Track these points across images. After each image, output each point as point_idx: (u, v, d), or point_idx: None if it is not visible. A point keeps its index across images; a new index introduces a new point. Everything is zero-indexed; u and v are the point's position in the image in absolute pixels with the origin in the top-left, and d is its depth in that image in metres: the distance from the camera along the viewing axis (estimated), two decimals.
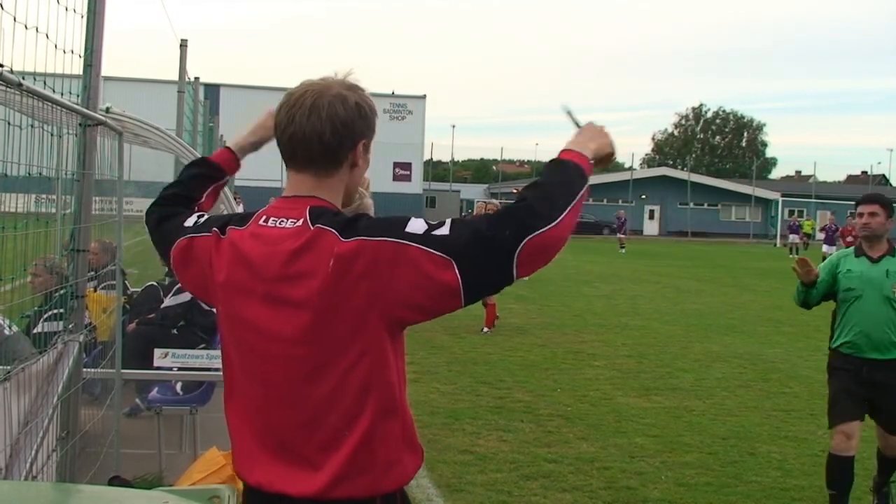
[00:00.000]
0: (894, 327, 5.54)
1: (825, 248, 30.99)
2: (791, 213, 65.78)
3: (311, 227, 2.01)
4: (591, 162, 2.21)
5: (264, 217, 2.12)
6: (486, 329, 13.53)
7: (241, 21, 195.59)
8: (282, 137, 2.15)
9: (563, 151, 2.21)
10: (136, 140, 5.63)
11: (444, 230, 1.96)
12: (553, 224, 1.98)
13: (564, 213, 2.02)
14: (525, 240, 1.93)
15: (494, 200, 43.73)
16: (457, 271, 1.92)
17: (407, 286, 1.94)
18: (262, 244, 2.07)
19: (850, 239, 26.66)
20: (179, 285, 6.41)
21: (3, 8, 2.74)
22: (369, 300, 1.96)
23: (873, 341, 5.52)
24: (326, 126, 2.07)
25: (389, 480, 2.08)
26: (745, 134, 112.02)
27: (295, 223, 2.05)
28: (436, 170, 72.57)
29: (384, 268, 1.94)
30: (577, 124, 2.38)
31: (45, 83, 3.32)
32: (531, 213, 1.98)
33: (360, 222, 2.01)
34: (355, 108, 2.12)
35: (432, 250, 1.93)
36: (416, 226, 1.97)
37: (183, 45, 9.31)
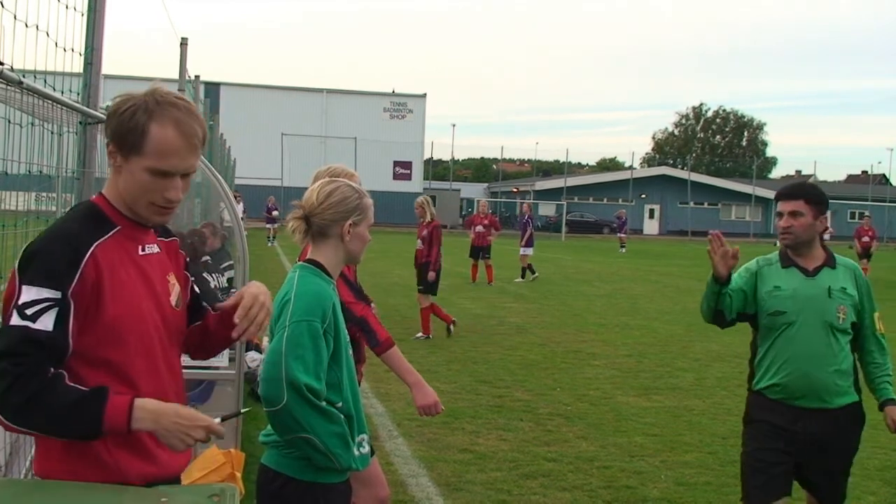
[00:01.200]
0: (839, 365, 4.12)
1: None
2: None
3: None
4: (129, 430, 2.13)
5: None
6: (420, 335, 12.40)
7: (242, 19, 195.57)
8: None
9: (118, 400, 2.14)
10: None
11: None
12: (6, 421, 2.07)
13: (26, 428, 2.10)
14: None
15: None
16: None
17: None
18: None
19: (865, 240, 26.40)
20: None
21: (3, 6, 2.74)
22: None
23: (812, 384, 4.10)
24: None
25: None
26: (746, 133, 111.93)
27: None
28: (436, 168, 72.52)
29: None
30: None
31: (45, 81, 3.33)
32: (4, 394, 2.04)
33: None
34: None
35: None
36: None
37: (183, 43, 9.28)
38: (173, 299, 2.41)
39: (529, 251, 23.01)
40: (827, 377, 4.10)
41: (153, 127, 2.19)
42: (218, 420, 2.26)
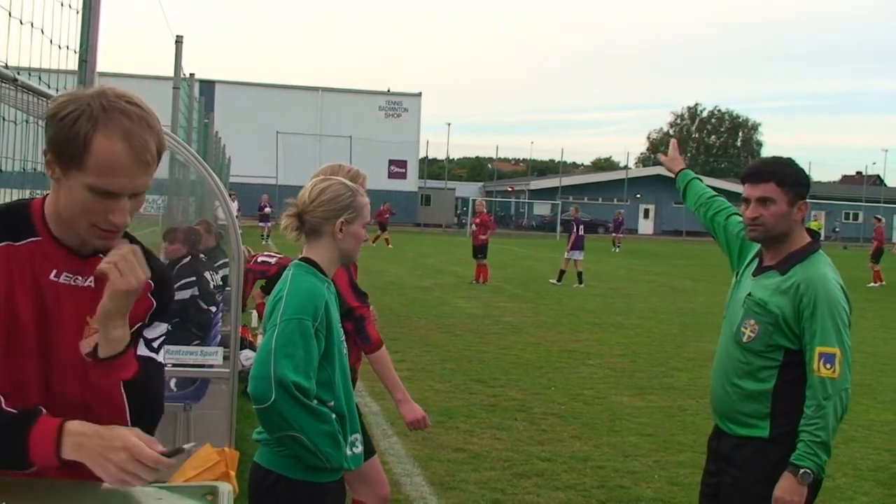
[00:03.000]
0: (745, 387, 3.38)
1: None
2: None
3: None
4: (59, 462, 1.84)
5: None
6: None
7: (237, 17, 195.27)
8: None
9: (47, 424, 1.84)
10: None
11: None
12: None
13: None
14: None
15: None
16: None
17: None
18: None
19: (876, 244, 26.32)
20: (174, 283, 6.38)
21: None
22: None
23: (714, 399, 3.58)
24: None
25: None
26: (741, 133, 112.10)
27: None
28: (431, 167, 72.52)
29: None
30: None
31: (39, 78, 3.32)
32: None
33: None
34: None
35: None
36: None
37: (178, 41, 9.28)
38: (84, 345, 1.97)
39: (577, 255, 22.01)
40: (726, 396, 3.45)
41: (98, 138, 1.83)
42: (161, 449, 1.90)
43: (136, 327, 2.04)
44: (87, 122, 1.84)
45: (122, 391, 1.95)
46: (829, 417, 3.17)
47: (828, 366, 3.19)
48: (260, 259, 9.65)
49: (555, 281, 21.99)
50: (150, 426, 2.02)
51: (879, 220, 28.07)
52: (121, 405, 1.95)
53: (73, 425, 1.84)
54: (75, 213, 1.91)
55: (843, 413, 3.23)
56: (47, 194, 2.01)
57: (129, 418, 1.96)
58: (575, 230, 22.57)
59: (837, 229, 64.53)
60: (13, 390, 1.91)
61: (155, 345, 2.11)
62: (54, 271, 1.97)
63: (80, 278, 1.99)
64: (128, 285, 1.89)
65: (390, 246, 34.72)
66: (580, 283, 21.52)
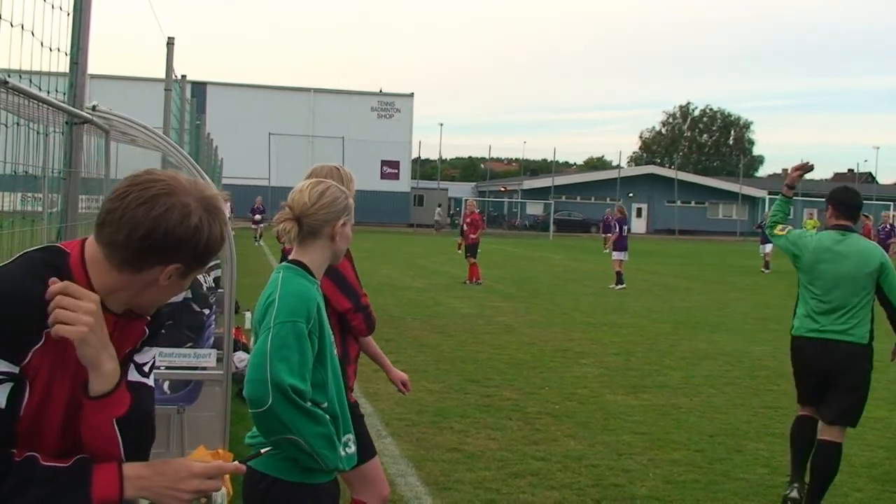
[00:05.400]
0: None
1: None
2: None
3: None
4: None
5: None
6: None
7: (228, 19, 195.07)
8: None
9: (107, 470, 1.88)
10: (123, 138, 5.62)
11: None
12: None
13: None
14: None
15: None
16: None
17: None
18: None
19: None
20: None
21: None
22: None
23: None
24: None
25: None
26: (732, 132, 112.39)
27: None
28: (424, 168, 72.53)
29: None
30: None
31: (30, 81, 3.31)
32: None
33: None
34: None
35: None
36: None
37: (170, 42, 9.27)
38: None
39: (621, 255, 21.40)
40: None
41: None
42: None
43: (126, 353, 2.03)
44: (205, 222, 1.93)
45: (115, 426, 1.94)
46: None
47: None
48: None
49: (618, 286, 20.84)
50: (144, 454, 2.02)
51: (868, 217, 28.23)
52: (113, 439, 1.94)
53: (131, 469, 1.89)
54: (156, 298, 2.00)
55: None
56: (83, 242, 1.97)
57: (122, 451, 1.94)
58: (618, 229, 22.07)
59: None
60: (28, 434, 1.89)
61: (146, 369, 2.10)
62: None
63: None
64: (77, 333, 1.83)
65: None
66: (619, 284, 20.88)
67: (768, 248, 27.47)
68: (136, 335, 2.07)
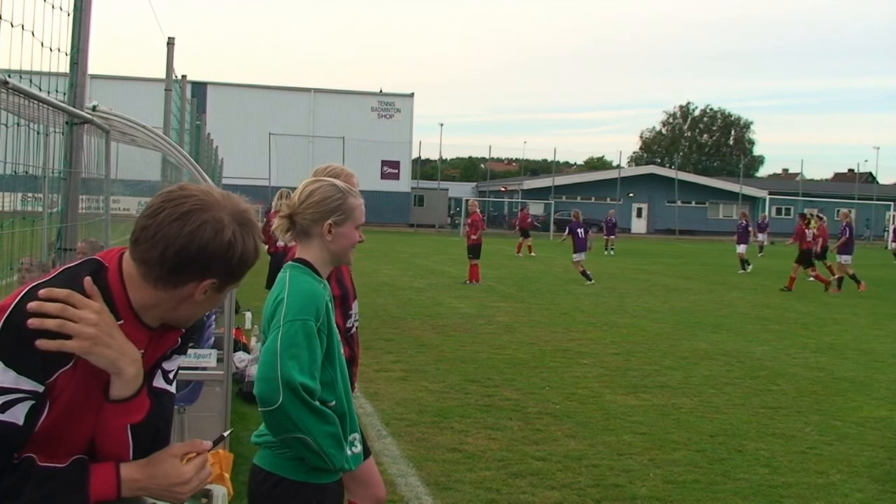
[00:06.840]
0: None
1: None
2: (779, 210, 66.08)
3: None
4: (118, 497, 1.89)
5: None
6: None
7: (229, 19, 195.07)
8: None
9: (103, 470, 1.89)
10: (123, 138, 5.62)
11: None
12: None
13: None
14: None
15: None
16: None
17: None
18: None
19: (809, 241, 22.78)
20: None
21: None
22: None
23: None
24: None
25: None
26: (733, 132, 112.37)
27: None
28: (424, 168, 72.51)
29: None
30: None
31: (31, 81, 3.31)
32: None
33: None
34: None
35: None
36: None
37: (170, 43, 9.27)
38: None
39: (580, 256, 22.78)
40: None
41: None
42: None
43: (156, 360, 2.04)
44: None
45: (129, 431, 1.94)
46: None
47: None
48: None
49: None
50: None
51: (821, 218, 24.58)
52: (125, 443, 1.94)
53: (128, 472, 1.89)
54: (194, 312, 2.02)
55: None
56: (121, 255, 1.97)
57: (131, 456, 1.94)
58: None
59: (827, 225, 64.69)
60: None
61: (171, 376, 2.12)
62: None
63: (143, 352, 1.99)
64: (79, 348, 1.82)
65: (533, 254, 33.76)
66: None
67: (742, 248, 29.13)
68: (169, 344, 2.08)
